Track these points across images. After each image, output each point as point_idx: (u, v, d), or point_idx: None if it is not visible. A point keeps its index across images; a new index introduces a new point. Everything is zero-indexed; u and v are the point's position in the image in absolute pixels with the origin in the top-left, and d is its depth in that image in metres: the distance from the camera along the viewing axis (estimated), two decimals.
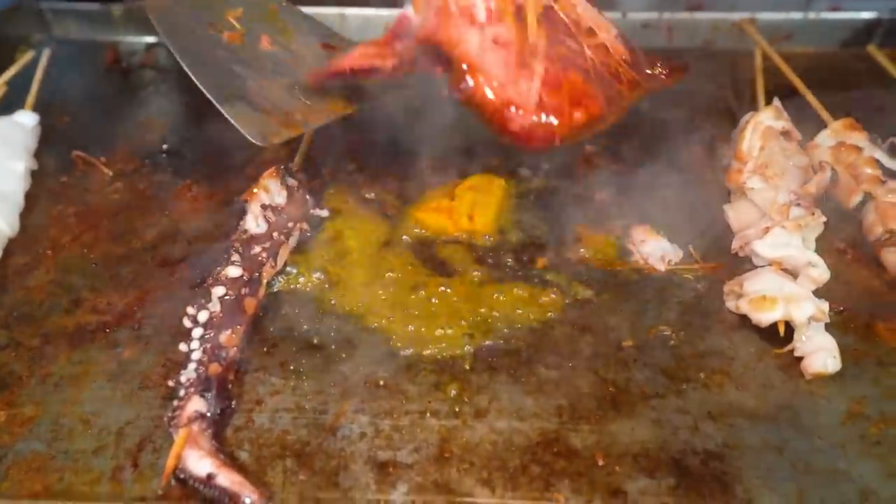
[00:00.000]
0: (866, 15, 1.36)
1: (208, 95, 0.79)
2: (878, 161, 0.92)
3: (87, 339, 0.78)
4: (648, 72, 0.85)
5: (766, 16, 1.33)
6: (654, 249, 0.87)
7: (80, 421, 0.70)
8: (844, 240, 0.90)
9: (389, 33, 0.78)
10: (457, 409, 0.71)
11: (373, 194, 0.97)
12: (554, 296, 0.82)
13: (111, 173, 1.01)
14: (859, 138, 0.94)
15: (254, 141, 0.79)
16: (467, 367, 0.75)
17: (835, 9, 1.34)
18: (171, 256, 0.88)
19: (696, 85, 1.19)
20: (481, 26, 0.70)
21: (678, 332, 0.79)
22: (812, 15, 1.35)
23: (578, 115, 0.71)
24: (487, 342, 0.77)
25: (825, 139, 0.96)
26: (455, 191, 0.93)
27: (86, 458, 0.67)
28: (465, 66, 0.70)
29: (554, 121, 0.70)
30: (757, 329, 0.78)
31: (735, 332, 0.79)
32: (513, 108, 0.68)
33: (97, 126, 1.10)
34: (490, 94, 0.69)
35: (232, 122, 0.78)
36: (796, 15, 1.35)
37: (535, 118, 0.69)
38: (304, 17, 0.95)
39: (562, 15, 0.76)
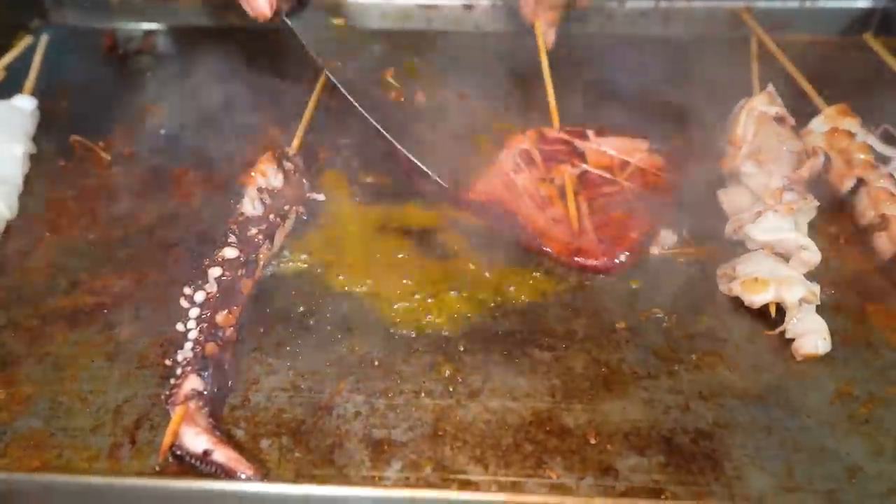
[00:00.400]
0: (862, 4, 1.37)
1: (417, 162, 0.90)
2: (870, 147, 0.92)
3: (85, 320, 0.79)
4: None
5: (763, 4, 1.34)
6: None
7: (78, 399, 0.71)
8: (836, 224, 0.90)
9: None
10: (451, 389, 0.72)
11: (370, 178, 0.97)
12: (548, 278, 0.83)
13: (109, 157, 1.01)
14: (852, 124, 0.95)
15: (443, 185, 0.90)
16: (461, 348, 0.76)
17: None
18: (169, 239, 0.89)
19: (692, 72, 1.20)
20: (542, 208, 0.88)
21: (671, 315, 0.80)
22: (808, 4, 1.35)
23: (634, 235, 0.86)
24: (482, 323, 0.78)
25: (819, 125, 0.97)
26: None
27: (84, 435, 0.68)
28: (536, 232, 0.86)
29: (614, 249, 0.85)
30: (749, 311, 0.79)
31: (727, 315, 0.80)
32: (581, 257, 0.84)
33: (95, 111, 1.10)
34: (560, 250, 0.85)
35: (437, 179, 0.90)
36: (793, 4, 1.35)
37: (599, 254, 0.84)
38: (434, 71, 1.03)
39: (596, 172, 0.93)
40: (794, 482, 0.64)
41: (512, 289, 0.82)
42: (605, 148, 0.95)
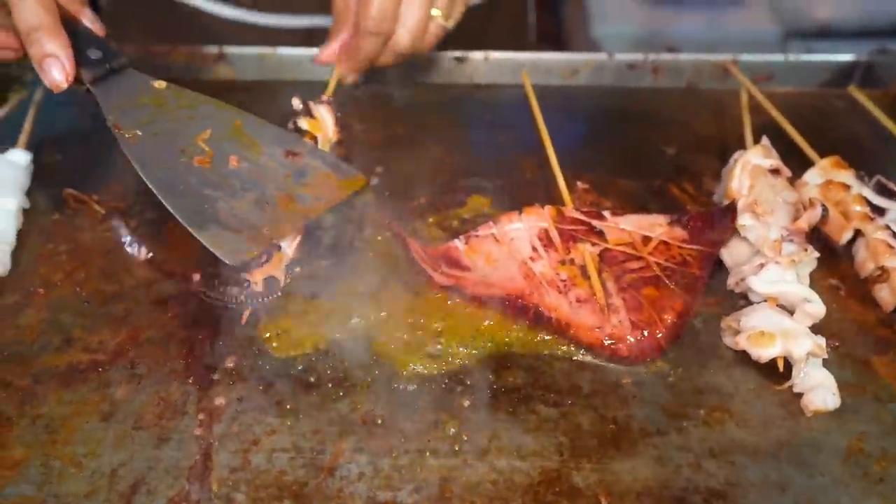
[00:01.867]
0: (844, 57, 1.40)
1: (183, 223, 0.83)
2: (866, 198, 0.93)
3: (79, 378, 0.77)
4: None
5: (747, 58, 1.37)
6: None
7: (72, 463, 0.69)
8: (836, 275, 0.90)
9: (436, 253, 0.88)
10: (456, 448, 0.71)
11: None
12: (549, 336, 0.82)
13: (103, 211, 1.00)
14: (847, 176, 0.96)
15: (225, 260, 0.82)
16: (466, 405, 0.74)
17: (810, 51, 1.39)
18: (165, 293, 0.87)
19: (683, 124, 1.22)
20: (564, 292, 0.82)
21: (676, 369, 0.79)
22: (792, 57, 1.39)
23: (668, 317, 0.79)
24: (485, 379, 0.77)
25: (813, 177, 0.98)
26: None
27: (78, 501, 0.65)
28: (561, 322, 0.80)
29: (650, 333, 0.78)
30: (755, 365, 0.79)
31: (733, 369, 0.79)
32: (611, 341, 0.78)
33: (89, 164, 1.09)
34: (590, 339, 0.79)
35: (207, 246, 0.82)
36: (777, 57, 1.39)
37: (633, 339, 0.78)
38: (268, 128, 0.98)
39: (617, 248, 0.87)
40: None
41: (515, 344, 0.81)
42: (624, 225, 0.90)
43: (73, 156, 1.11)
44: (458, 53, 1.37)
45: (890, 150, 1.15)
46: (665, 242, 0.88)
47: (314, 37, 1.38)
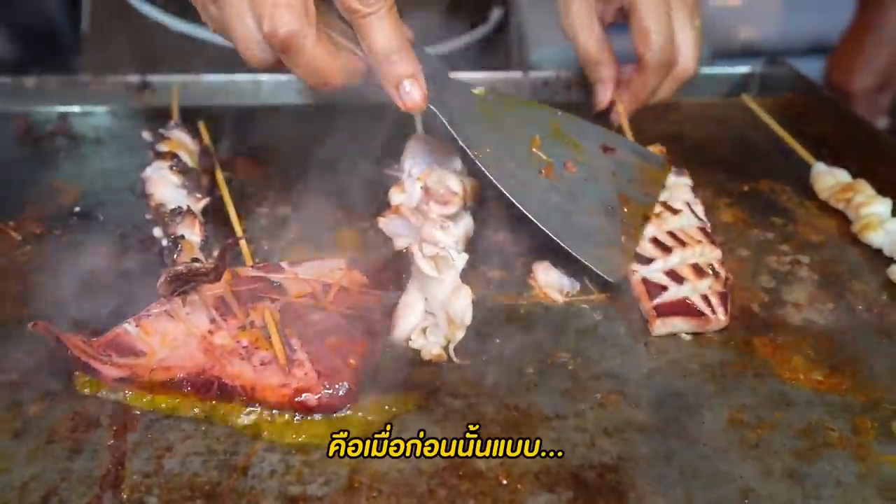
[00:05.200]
0: (741, 69, 1.50)
1: (564, 245, 0.85)
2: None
3: None
4: None
5: None
6: (553, 283, 0.92)
7: None
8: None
9: (102, 343, 0.80)
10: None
11: None
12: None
13: (20, 237, 1.01)
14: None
15: (609, 279, 0.86)
16: (376, 399, 0.78)
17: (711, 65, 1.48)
18: (80, 316, 0.88)
19: None
20: (247, 358, 0.78)
21: (576, 358, 0.84)
22: None
23: (353, 361, 0.79)
24: (395, 377, 0.81)
25: None
26: None
27: None
28: (246, 387, 0.77)
29: (336, 379, 0.77)
30: (649, 351, 0.84)
31: (627, 356, 0.84)
32: (300, 396, 0.76)
33: (7, 192, 1.10)
34: (277, 397, 0.77)
35: (590, 265, 0.85)
36: None
37: (321, 389, 0.77)
38: (580, 123, 0.97)
39: (298, 301, 0.85)
40: None
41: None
42: (303, 275, 0.88)
43: None
44: None
45: (776, 152, 1.24)
46: (345, 289, 0.86)
47: None
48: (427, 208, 0.93)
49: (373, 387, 0.79)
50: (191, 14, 1.38)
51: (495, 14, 1.61)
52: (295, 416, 0.76)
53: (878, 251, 1.00)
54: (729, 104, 1.42)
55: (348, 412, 0.76)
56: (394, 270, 0.89)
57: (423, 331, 0.84)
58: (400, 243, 0.91)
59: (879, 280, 0.96)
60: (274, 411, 0.76)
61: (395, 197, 0.98)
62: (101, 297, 0.91)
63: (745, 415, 0.77)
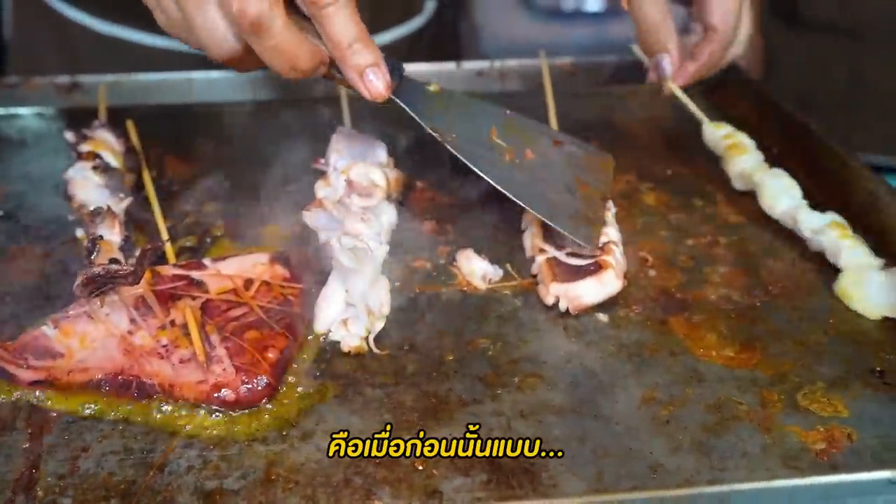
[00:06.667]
0: None
1: (542, 217, 0.88)
2: None
3: None
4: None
5: (585, 59, 1.48)
6: (476, 270, 0.94)
7: None
8: (646, 249, 0.99)
9: (18, 346, 0.80)
10: (284, 433, 0.74)
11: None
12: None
13: None
14: None
15: (587, 246, 0.88)
16: (297, 393, 0.78)
17: None
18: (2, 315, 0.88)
19: None
20: (167, 357, 0.79)
21: (496, 343, 0.85)
22: (626, 58, 1.50)
23: (271, 355, 0.80)
24: (313, 367, 0.82)
25: None
26: None
27: None
28: (165, 385, 0.78)
29: (254, 373, 0.78)
30: (568, 336, 0.86)
31: (547, 340, 0.86)
32: (218, 391, 0.77)
33: None
34: (195, 393, 0.78)
35: (569, 235, 0.88)
36: (610, 58, 1.50)
37: (239, 383, 0.77)
38: (529, 121, 1.02)
39: (219, 298, 0.86)
40: (603, 484, 0.69)
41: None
42: (225, 270, 0.88)
43: None
44: None
45: (699, 137, 1.27)
46: (267, 283, 0.87)
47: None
48: (349, 201, 0.93)
49: (292, 379, 0.80)
50: (116, 15, 1.37)
51: (429, 6, 1.62)
52: (214, 411, 0.76)
53: (792, 232, 1.03)
54: (654, 91, 1.44)
55: (267, 406, 0.77)
56: (316, 264, 0.90)
57: (344, 322, 0.84)
58: (322, 237, 0.92)
59: (791, 258, 0.99)
60: (193, 408, 0.77)
61: (321, 191, 0.99)
62: (20, 300, 0.90)
63: (658, 392, 0.79)
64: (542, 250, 0.92)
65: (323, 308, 0.85)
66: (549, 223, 0.89)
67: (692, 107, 1.15)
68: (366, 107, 1.00)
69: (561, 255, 0.90)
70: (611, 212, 0.99)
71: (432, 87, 0.97)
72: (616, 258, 0.90)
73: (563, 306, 0.88)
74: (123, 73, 1.37)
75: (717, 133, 1.12)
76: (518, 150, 0.95)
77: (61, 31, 1.42)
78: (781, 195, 1.01)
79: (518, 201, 0.89)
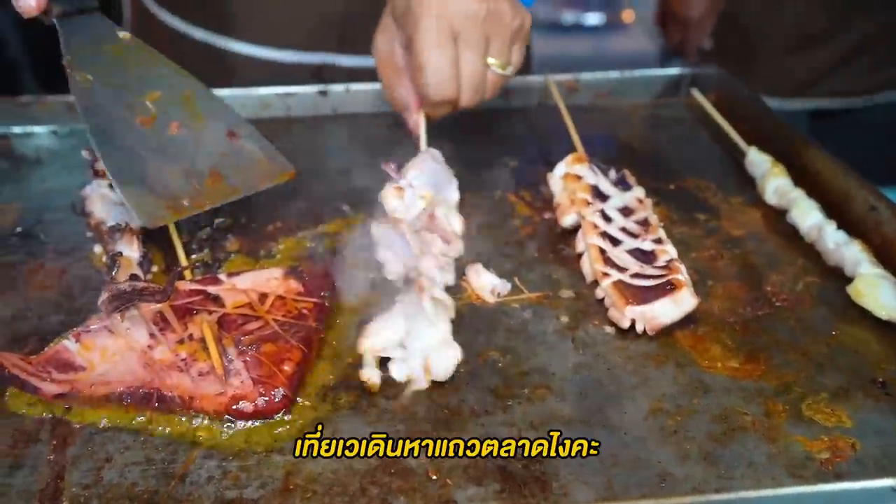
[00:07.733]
0: (672, 71, 1.55)
1: (109, 175, 0.88)
2: (594, 187, 1.05)
3: None
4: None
5: (587, 76, 1.50)
6: (485, 284, 0.96)
7: None
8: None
9: (42, 360, 0.82)
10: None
11: None
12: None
13: None
14: (581, 168, 1.08)
15: (141, 221, 0.88)
16: (308, 403, 0.80)
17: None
18: (21, 332, 0.90)
19: (527, 138, 1.33)
20: (186, 370, 0.81)
21: (506, 356, 0.87)
22: (627, 74, 1.52)
23: (287, 368, 0.81)
24: (326, 378, 0.84)
25: (560, 169, 1.11)
26: None
27: None
28: (184, 398, 0.79)
29: (272, 385, 0.80)
30: (575, 347, 0.88)
31: (555, 351, 0.88)
32: (237, 403, 0.79)
33: None
34: (214, 405, 0.80)
35: (126, 202, 0.87)
36: (613, 74, 1.52)
37: (257, 395, 0.80)
38: (219, 104, 1.01)
39: (235, 311, 0.88)
40: (613, 492, 0.71)
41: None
42: (241, 285, 0.90)
43: None
44: (321, 87, 1.43)
45: (703, 151, 1.30)
46: (281, 297, 0.89)
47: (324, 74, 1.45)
48: (430, 238, 0.95)
49: (308, 390, 0.82)
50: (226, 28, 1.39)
51: None
52: (233, 422, 0.78)
53: (795, 242, 1.05)
54: (658, 105, 1.47)
55: (285, 417, 0.79)
56: (328, 278, 0.92)
57: (383, 360, 0.84)
58: (380, 253, 0.95)
59: (794, 271, 1.01)
60: (212, 419, 0.79)
61: (392, 200, 0.98)
62: (41, 315, 0.92)
63: (665, 403, 0.81)
64: (605, 274, 0.93)
65: (378, 331, 0.84)
66: (114, 185, 0.89)
67: (734, 135, 1.26)
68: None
69: (625, 278, 0.91)
70: (659, 228, 1.00)
71: (122, 35, 0.97)
72: (685, 275, 0.91)
73: (639, 328, 0.89)
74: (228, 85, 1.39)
75: (761, 158, 1.19)
76: (163, 120, 0.95)
77: (176, 46, 1.44)
78: (812, 210, 1.07)
79: (96, 151, 0.89)
